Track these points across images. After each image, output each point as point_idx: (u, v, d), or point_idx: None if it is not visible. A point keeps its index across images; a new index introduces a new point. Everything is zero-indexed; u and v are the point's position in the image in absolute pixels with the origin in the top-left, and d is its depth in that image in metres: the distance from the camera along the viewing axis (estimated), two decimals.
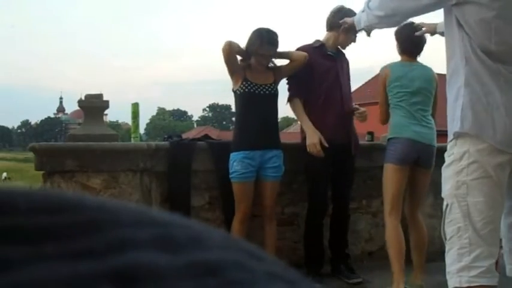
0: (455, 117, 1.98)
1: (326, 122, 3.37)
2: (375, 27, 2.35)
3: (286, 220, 3.84)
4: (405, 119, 3.22)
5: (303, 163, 3.56)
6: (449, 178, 2.00)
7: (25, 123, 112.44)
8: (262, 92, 3.27)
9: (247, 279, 0.18)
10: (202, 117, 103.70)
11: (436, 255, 3.45)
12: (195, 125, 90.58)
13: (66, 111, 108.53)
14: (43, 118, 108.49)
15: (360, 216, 4.03)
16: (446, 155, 2.05)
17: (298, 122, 3.68)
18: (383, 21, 2.23)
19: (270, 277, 0.19)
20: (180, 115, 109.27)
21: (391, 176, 3.22)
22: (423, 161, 3.22)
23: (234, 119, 3.50)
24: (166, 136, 3.94)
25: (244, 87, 3.26)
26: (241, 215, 3.27)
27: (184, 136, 4.17)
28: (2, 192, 0.17)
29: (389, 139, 3.29)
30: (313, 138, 3.35)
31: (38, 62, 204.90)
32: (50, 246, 0.16)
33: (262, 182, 3.30)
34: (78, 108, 4.25)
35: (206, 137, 3.90)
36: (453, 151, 1.98)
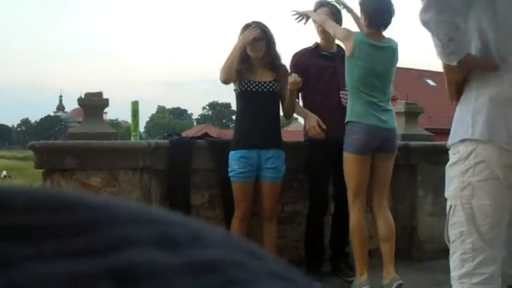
0: (463, 121, 1.86)
1: (324, 120, 3.37)
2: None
3: (287, 218, 3.84)
4: (366, 103, 3.15)
5: (304, 161, 3.57)
6: (453, 178, 1.89)
7: (25, 122, 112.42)
8: (261, 89, 3.27)
9: (247, 278, 0.18)
10: (202, 116, 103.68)
11: (435, 253, 3.46)
12: (194, 123, 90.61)
13: (65, 110, 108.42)
14: (43, 116, 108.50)
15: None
16: (451, 152, 1.93)
17: (298, 121, 3.71)
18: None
19: (270, 276, 0.19)
20: (179, 113, 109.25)
21: (354, 166, 3.16)
22: (385, 147, 3.17)
23: (234, 117, 3.50)
24: (166, 134, 3.95)
25: (243, 86, 3.25)
26: (241, 214, 3.26)
27: (184, 134, 4.17)
28: (2, 190, 0.17)
29: (347, 122, 3.20)
30: (312, 121, 3.34)
31: (37, 60, 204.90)
32: (50, 244, 0.16)
33: (261, 183, 3.29)
34: (77, 106, 4.24)
35: (206, 135, 3.90)
36: (458, 149, 1.87)
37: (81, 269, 0.15)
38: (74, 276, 0.15)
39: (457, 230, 1.85)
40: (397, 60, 3.29)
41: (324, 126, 3.31)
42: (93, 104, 3.95)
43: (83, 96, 4.18)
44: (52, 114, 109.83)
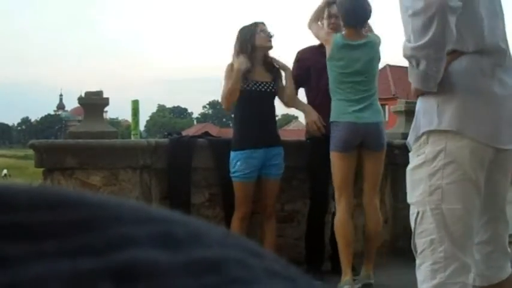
0: (428, 113, 1.72)
1: (324, 118, 3.40)
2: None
3: (287, 217, 3.84)
4: (344, 102, 3.19)
5: (304, 160, 3.57)
6: (419, 182, 1.72)
7: (25, 120, 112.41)
8: (264, 89, 3.28)
9: (247, 277, 0.18)
10: (202, 114, 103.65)
11: None
12: (195, 122, 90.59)
13: (66, 109, 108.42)
14: (43, 115, 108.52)
15: (360, 212, 4.03)
16: (413, 154, 1.77)
17: (299, 119, 3.73)
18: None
19: (270, 274, 0.19)
20: (180, 112, 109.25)
21: (337, 164, 3.19)
22: (369, 144, 3.20)
23: (233, 115, 3.49)
24: (166, 133, 3.95)
25: (247, 85, 3.25)
26: (242, 214, 3.26)
27: (184, 133, 4.18)
28: (2, 189, 0.17)
29: (331, 122, 3.26)
30: (312, 116, 3.38)
31: (37, 59, 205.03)
32: (50, 243, 0.16)
33: (264, 181, 3.29)
34: (78, 105, 4.25)
35: (206, 134, 3.91)
36: (424, 150, 1.71)
37: (82, 267, 0.15)
38: (74, 275, 0.15)
39: (426, 239, 1.69)
40: (378, 55, 3.33)
41: (323, 123, 3.34)
42: (94, 102, 3.96)
43: (83, 95, 4.18)
44: (52, 113, 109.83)
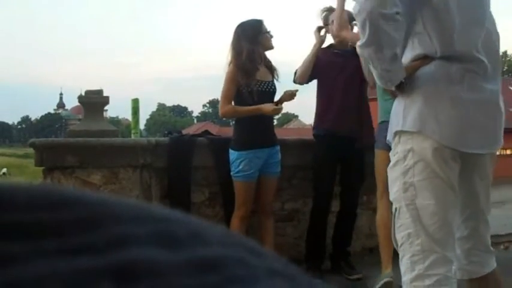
0: (397, 114, 1.85)
1: (328, 114, 3.45)
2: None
3: (287, 216, 3.84)
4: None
5: (304, 159, 3.58)
6: (395, 180, 1.83)
7: (25, 119, 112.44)
8: (264, 89, 3.28)
9: (247, 276, 0.18)
10: (203, 113, 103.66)
11: None
12: (195, 121, 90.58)
13: (66, 107, 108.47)
14: (43, 114, 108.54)
15: (361, 212, 4.04)
16: (391, 154, 1.89)
17: (299, 118, 3.74)
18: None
19: (270, 273, 0.19)
20: (180, 111, 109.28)
21: (385, 163, 3.21)
22: None
23: None
24: (166, 132, 3.95)
25: (254, 85, 3.23)
26: (242, 213, 3.26)
27: (184, 132, 4.17)
28: (2, 188, 0.17)
29: (381, 122, 3.26)
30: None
31: (38, 58, 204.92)
32: (50, 242, 0.16)
33: (263, 179, 3.29)
34: (78, 104, 4.25)
35: (206, 132, 3.91)
36: (397, 150, 1.83)
37: (82, 266, 0.15)
38: (74, 274, 0.15)
39: (404, 233, 1.79)
40: None
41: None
42: (94, 101, 3.96)
43: (83, 93, 4.18)
44: (52, 111, 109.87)
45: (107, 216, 0.17)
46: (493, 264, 1.96)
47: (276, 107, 3.23)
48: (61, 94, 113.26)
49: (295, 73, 3.60)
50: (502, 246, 4.53)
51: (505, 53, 63.50)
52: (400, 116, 1.81)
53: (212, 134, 3.91)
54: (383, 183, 3.23)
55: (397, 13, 1.68)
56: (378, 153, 3.28)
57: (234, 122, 3.54)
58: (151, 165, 3.47)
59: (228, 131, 3.93)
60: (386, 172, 3.14)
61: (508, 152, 22.23)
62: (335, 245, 3.68)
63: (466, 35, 1.79)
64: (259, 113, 3.17)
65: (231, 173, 3.25)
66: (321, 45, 3.51)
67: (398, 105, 1.85)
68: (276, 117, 3.71)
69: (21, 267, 0.15)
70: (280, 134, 3.63)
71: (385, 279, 3.17)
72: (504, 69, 61.65)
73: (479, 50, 1.81)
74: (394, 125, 1.85)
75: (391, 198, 1.89)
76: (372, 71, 1.80)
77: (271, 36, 3.33)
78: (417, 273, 1.74)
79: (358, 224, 4.00)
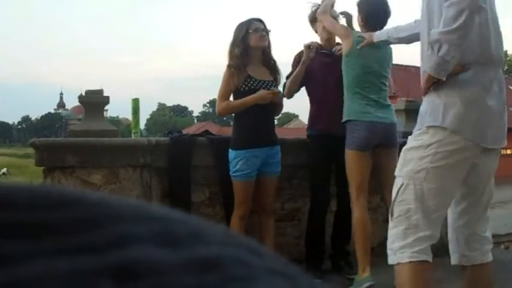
0: (434, 111, 2.05)
1: (322, 114, 3.47)
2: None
3: (287, 216, 3.84)
4: (364, 101, 3.21)
5: (304, 158, 3.58)
6: (410, 160, 2.06)
7: (25, 119, 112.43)
8: (261, 87, 3.26)
9: (247, 275, 0.18)
10: (203, 113, 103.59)
11: (434, 251, 3.44)
12: (195, 121, 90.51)
13: (66, 107, 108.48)
14: (43, 114, 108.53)
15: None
16: (411, 138, 2.12)
17: (299, 118, 3.74)
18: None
19: (270, 273, 0.19)
20: (180, 111, 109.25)
21: (356, 163, 3.22)
22: (385, 142, 3.23)
23: (233, 114, 3.47)
24: (166, 132, 3.94)
25: (248, 84, 3.24)
26: (242, 212, 3.26)
27: (184, 132, 4.17)
28: (2, 187, 0.17)
29: (346, 121, 3.26)
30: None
31: (38, 58, 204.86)
32: (50, 242, 0.16)
33: (263, 179, 3.28)
34: (78, 103, 4.25)
35: (206, 132, 3.90)
36: (423, 137, 2.05)
37: (82, 266, 0.15)
38: (74, 274, 0.15)
39: (404, 207, 2.04)
40: (391, 58, 3.39)
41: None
42: (94, 101, 3.96)
43: (83, 93, 4.18)
44: (53, 111, 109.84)
45: (107, 216, 0.17)
46: (490, 256, 2.20)
47: (269, 91, 3.21)
48: (61, 94, 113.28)
49: (284, 86, 3.56)
50: (502, 246, 4.53)
51: (505, 52, 63.59)
52: (439, 113, 2.02)
53: (212, 134, 3.91)
54: (357, 185, 3.25)
55: None
56: (349, 153, 3.25)
57: (233, 122, 3.53)
58: (152, 165, 3.46)
59: (229, 131, 3.92)
60: (359, 173, 3.19)
61: (509, 152, 22.20)
62: (334, 244, 3.69)
63: (496, 43, 2.06)
64: (251, 102, 3.17)
65: (230, 173, 3.25)
66: (308, 62, 3.46)
67: (434, 105, 2.05)
68: (277, 117, 3.69)
69: (21, 267, 0.15)
70: (280, 133, 3.62)
71: (367, 284, 3.16)
72: (505, 69, 61.78)
73: (502, 57, 2.13)
74: (429, 121, 2.04)
75: (399, 174, 2.11)
76: (433, 60, 1.98)
77: (263, 35, 3.29)
78: (407, 242, 2.02)
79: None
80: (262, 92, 3.21)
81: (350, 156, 3.24)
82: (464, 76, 2.03)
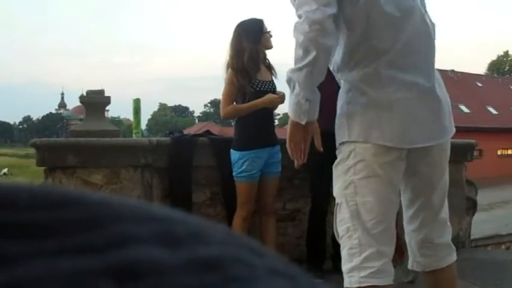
0: (341, 127, 1.96)
1: (322, 114, 3.45)
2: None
3: (288, 216, 3.84)
4: None
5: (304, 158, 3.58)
6: (338, 177, 1.97)
7: (27, 119, 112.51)
8: (266, 89, 3.27)
9: (248, 275, 0.18)
10: (204, 113, 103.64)
11: None
12: (196, 121, 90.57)
13: (67, 107, 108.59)
14: (44, 114, 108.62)
15: None
16: (337, 153, 2.02)
17: None
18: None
19: (271, 273, 0.19)
20: (181, 111, 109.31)
21: None
22: None
23: None
24: (167, 132, 3.95)
25: (253, 86, 3.23)
26: (245, 213, 3.25)
27: (185, 132, 4.17)
28: (3, 187, 0.17)
29: None
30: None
31: (39, 58, 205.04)
32: (51, 242, 0.16)
33: (264, 179, 3.29)
34: (79, 104, 4.26)
35: (208, 132, 3.90)
36: (341, 150, 1.96)
37: (82, 266, 0.15)
38: (75, 274, 0.15)
39: (344, 226, 1.91)
40: None
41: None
42: (95, 101, 3.97)
43: (84, 93, 4.18)
44: (54, 111, 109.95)
45: (107, 216, 0.17)
46: (449, 259, 2.03)
47: (275, 95, 3.21)
48: (62, 94, 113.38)
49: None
50: (503, 246, 4.52)
51: (506, 52, 63.40)
52: (344, 128, 1.92)
53: (213, 134, 3.91)
54: None
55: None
56: None
57: (234, 122, 3.53)
58: (153, 165, 3.47)
59: (230, 131, 3.92)
60: None
61: (510, 152, 22.20)
62: (335, 245, 3.68)
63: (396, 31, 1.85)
64: (260, 106, 3.17)
65: (234, 174, 3.24)
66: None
67: (339, 121, 1.98)
68: (277, 117, 3.69)
69: (22, 267, 0.15)
70: (281, 134, 3.62)
71: None
72: (506, 69, 61.61)
73: (403, 46, 1.86)
74: (341, 136, 1.95)
75: (334, 194, 2.00)
76: (290, 102, 1.90)
77: (271, 36, 3.32)
78: (354, 264, 1.85)
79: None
80: (271, 96, 3.20)
81: None
82: (353, 77, 1.93)
